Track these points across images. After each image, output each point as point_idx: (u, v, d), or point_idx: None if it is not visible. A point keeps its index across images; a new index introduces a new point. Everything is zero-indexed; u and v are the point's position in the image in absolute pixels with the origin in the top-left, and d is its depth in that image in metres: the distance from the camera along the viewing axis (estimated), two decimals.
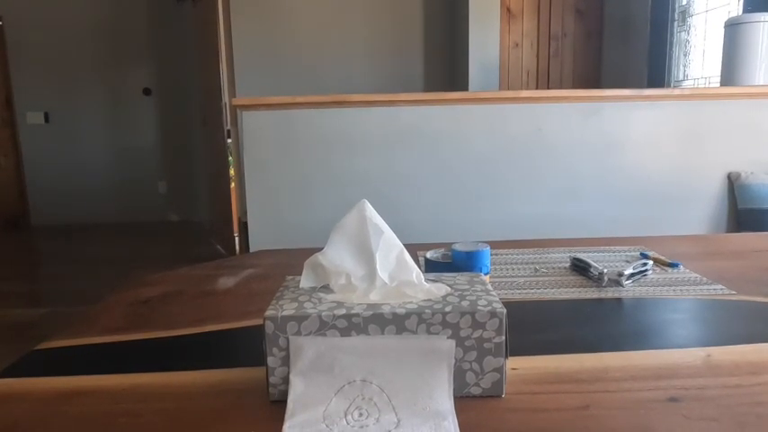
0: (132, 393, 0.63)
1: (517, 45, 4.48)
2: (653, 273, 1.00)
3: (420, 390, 0.57)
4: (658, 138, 2.30)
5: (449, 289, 0.64)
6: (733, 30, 2.55)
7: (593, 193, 2.30)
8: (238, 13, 4.35)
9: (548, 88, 4.48)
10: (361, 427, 0.54)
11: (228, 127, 3.77)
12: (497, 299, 0.61)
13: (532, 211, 2.29)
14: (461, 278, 0.69)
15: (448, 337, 0.58)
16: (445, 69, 4.69)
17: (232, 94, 3.99)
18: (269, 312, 0.59)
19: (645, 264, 1.00)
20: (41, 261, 4.34)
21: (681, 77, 3.91)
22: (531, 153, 2.29)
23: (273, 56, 4.52)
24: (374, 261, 0.65)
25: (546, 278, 0.99)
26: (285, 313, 0.59)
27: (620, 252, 1.14)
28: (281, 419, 0.55)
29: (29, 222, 5.16)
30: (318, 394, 0.57)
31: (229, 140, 3.77)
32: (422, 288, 0.64)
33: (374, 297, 0.62)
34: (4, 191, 5.13)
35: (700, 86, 3.64)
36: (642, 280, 0.97)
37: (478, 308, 0.59)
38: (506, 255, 1.15)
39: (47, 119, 5.06)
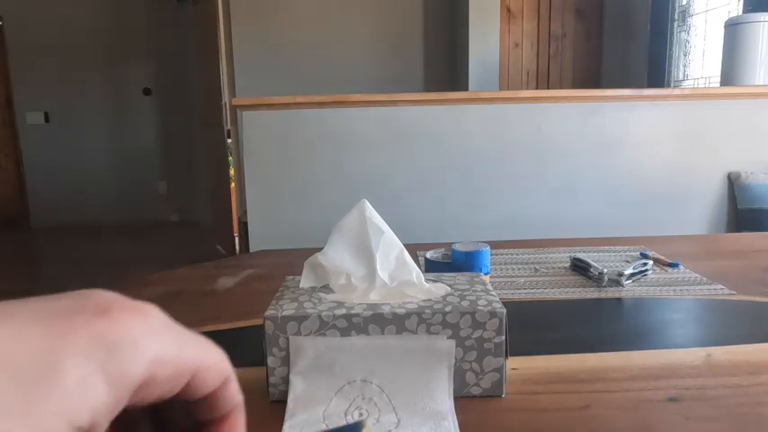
0: None
1: (517, 45, 4.48)
2: (653, 273, 1.00)
3: (420, 390, 0.57)
4: (658, 138, 2.30)
5: (449, 289, 0.64)
6: (733, 30, 2.55)
7: (593, 193, 2.30)
8: (238, 13, 4.36)
9: (548, 88, 4.48)
10: None
11: (228, 127, 3.77)
12: (497, 299, 0.61)
13: (532, 211, 2.29)
14: (461, 278, 0.69)
15: (448, 338, 0.58)
16: (445, 69, 4.69)
17: (232, 94, 4.00)
18: (269, 312, 0.59)
19: (645, 264, 1.00)
20: (41, 261, 4.34)
21: (681, 77, 3.92)
22: (531, 153, 2.29)
23: (273, 56, 4.52)
24: (374, 261, 0.65)
25: (546, 278, 0.99)
26: (285, 313, 0.59)
27: (620, 252, 1.14)
28: (281, 419, 0.55)
29: (29, 223, 5.16)
30: (318, 394, 0.57)
31: (229, 140, 3.78)
32: (422, 288, 0.64)
33: (374, 297, 0.62)
34: (4, 191, 5.13)
35: (700, 86, 3.64)
36: (642, 280, 0.97)
37: (478, 308, 0.59)
38: (506, 255, 1.15)
39: (47, 119, 5.06)
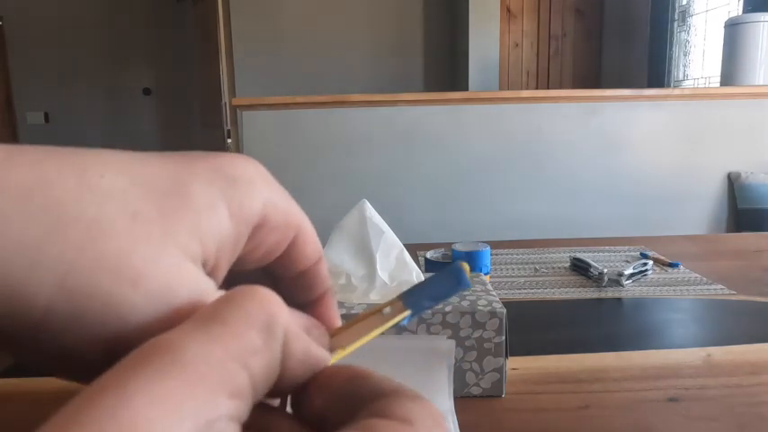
0: None
1: (517, 45, 4.48)
2: (653, 273, 1.00)
3: (420, 390, 0.57)
4: (658, 138, 2.30)
5: None
6: (733, 30, 2.55)
7: (593, 193, 2.30)
8: (238, 13, 4.36)
9: (548, 88, 4.48)
10: None
11: (228, 127, 3.77)
12: (497, 299, 0.61)
13: (532, 211, 2.29)
14: None
15: (448, 337, 0.58)
16: (445, 69, 4.69)
17: (232, 94, 4.00)
18: None
19: (645, 264, 1.00)
20: None
21: (681, 77, 3.92)
22: (531, 153, 2.29)
23: (273, 56, 4.53)
24: (374, 261, 0.65)
25: (546, 278, 0.99)
26: None
27: (620, 252, 1.14)
28: None
29: None
30: None
31: (229, 140, 3.77)
32: None
33: (374, 297, 0.62)
34: None
35: (700, 86, 3.65)
36: (642, 280, 0.97)
37: (478, 308, 0.59)
38: (506, 255, 1.15)
39: (47, 119, 5.06)
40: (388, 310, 0.22)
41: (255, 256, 0.21)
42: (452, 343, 0.58)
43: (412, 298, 0.22)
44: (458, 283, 0.22)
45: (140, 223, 0.17)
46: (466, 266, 0.22)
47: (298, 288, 0.23)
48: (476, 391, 0.59)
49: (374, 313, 0.22)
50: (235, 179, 0.19)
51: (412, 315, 0.22)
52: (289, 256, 0.22)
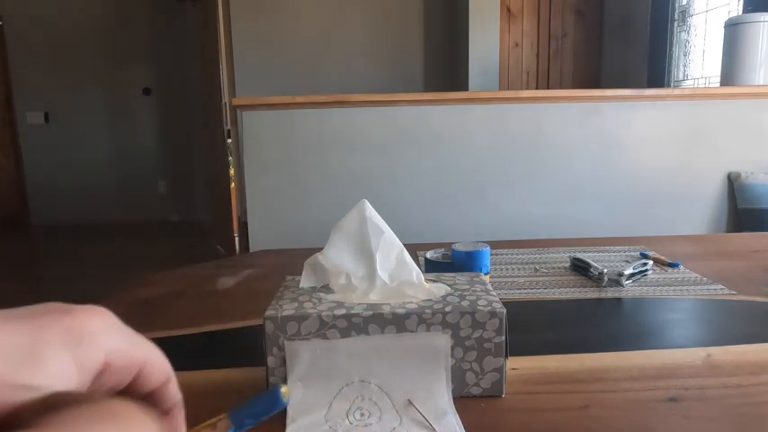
0: None
1: (517, 45, 4.48)
2: (653, 273, 1.00)
3: (418, 385, 0.57)
4: (658, 138, 2.30)
5: (449, 289, 0.64)
6: (733, 30, 2.55)
7: (593, 193, 2.30)
8: (238, 13, 4.36)
9: (548, 88, 4.48)
10: (365, 425, 0.54)
11: (228, 127, 3.77)
12: (497, 299, 0.61)
13: (532, 211, 2.29)
14: (461, 278, 0.69)
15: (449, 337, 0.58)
16: (445, 69, 4.69)
17: (232, 94, 4.00)
18: (269, 312, 0.59)
19: (645, 264, 1.00)
20: (41, 261, 4.34)
21: (681, 77, 3.91)
22: (531, 153, 2.29)
23: (273, 56, 4.52)
24: (374, 261, 0.65)
25: (546, 278, 0.99)
26: (285, 313, 0.59)
27: (620, 252, 1.14)
28: (281, 419, 0.55)
29: (29, 222, 5.16)
30: (318, 399, 0.57)
31: (229, 140, 3.77)
32: (422, 288, 0.64)
33: (374, 297, 0.62)
34: (4, 191, 5.13)
35: (700, 86, 3.64)
36: (642, 280, 0.97)
37: (478, 308, 0.59)
38: (506, 255, 1.15)
39: (47, 119, 5.06)
40: (220, 424, 0.26)
41: (102, 388, 0.23)
42: (447, 337, 0.58)
43: (236, 415, 0.26)
44: (274, 404, 0.26)
45: None
46: (285, 389, 0.27)
47: (149, 402, 0.26)
48: (476, 391, 0.59)
49: (208, 426, 0.26)
50: (82, 337, 0.22)
51: (234, 431, 0.26)
52: (135, 384, 0.24)
